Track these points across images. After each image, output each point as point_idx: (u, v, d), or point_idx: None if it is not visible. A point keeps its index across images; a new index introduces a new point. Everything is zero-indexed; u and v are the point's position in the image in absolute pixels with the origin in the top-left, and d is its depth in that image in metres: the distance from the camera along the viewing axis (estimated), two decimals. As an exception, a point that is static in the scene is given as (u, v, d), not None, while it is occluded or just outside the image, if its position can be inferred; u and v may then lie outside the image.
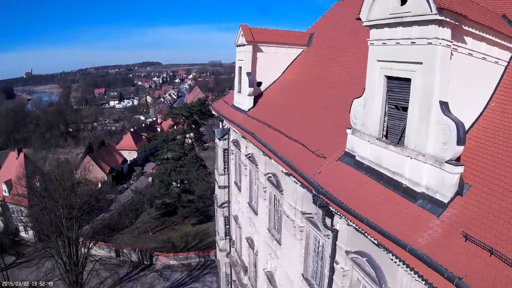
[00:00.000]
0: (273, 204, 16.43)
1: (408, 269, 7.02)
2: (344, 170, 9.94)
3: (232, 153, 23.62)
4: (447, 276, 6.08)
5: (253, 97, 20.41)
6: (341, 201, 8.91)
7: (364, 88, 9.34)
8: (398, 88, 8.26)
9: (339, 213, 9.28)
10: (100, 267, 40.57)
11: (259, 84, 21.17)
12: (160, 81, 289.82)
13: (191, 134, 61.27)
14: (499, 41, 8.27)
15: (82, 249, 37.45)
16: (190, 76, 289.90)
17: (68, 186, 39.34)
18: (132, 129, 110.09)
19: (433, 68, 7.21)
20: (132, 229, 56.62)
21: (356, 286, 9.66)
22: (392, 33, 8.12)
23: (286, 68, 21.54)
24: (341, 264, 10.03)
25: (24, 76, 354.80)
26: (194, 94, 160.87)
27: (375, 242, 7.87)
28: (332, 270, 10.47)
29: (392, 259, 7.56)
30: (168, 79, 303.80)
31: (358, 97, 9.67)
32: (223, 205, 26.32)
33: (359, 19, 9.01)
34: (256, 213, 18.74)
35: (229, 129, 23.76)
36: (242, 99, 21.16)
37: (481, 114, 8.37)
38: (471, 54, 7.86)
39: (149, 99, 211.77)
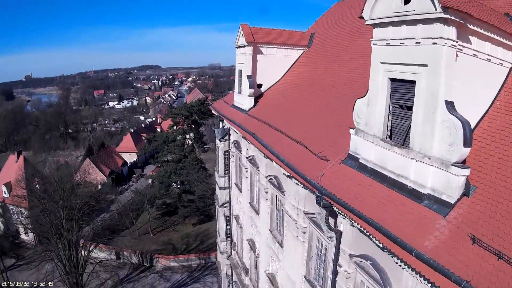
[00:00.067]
0: (275, 204, 16.29)
1: (414, 272, 6.90)
2: (347, 173, 9.81)
3: (233, 155, 23.48)
4: (455, 280, 5.97)
5: (253, 97, 20.31)
6: (345, 201, 8.79)
7: (368, 89, 9.22)
8: (402, 89, 8.15)
9: (343, 213, 9.16)
10: (100, 269, 40.43)
11: (260, 86, 21.07)
12: (160, 84, 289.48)
13: (191, 135, 61.07)
14: (504, 40, 8.18)
15: (82, 251, 37.29)
16: (190, 79, 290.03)
17: (68, 187, 39.18)
18: (131, 130, 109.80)
19: (438, 70, 7.09)
20: (133, 230, 56.45)
21: (360, 288, 9.53)
22: (395, 33, 8.00)
23: (287, 71, 21.42)
24: (345, 267, 9.89)
25: (24, 79, 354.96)
26: (194, 95, 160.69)
27: (380, 245, 7.75)
28: (335, 273, 10.34)
29: (397, 263, 7.44)
30: (168, 81, 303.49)
31: (361, 97, 9.54)
32: (224, 205, 26.17)
33: (361, 17, 8.88)
34: (257, 213, 18.60)
35: (229, 129, 23.63)
36: (243, 99, 21.06)
37: (485, 113, 8.26)
38: (476, 55, 7.76)
39: (148, 99, 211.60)
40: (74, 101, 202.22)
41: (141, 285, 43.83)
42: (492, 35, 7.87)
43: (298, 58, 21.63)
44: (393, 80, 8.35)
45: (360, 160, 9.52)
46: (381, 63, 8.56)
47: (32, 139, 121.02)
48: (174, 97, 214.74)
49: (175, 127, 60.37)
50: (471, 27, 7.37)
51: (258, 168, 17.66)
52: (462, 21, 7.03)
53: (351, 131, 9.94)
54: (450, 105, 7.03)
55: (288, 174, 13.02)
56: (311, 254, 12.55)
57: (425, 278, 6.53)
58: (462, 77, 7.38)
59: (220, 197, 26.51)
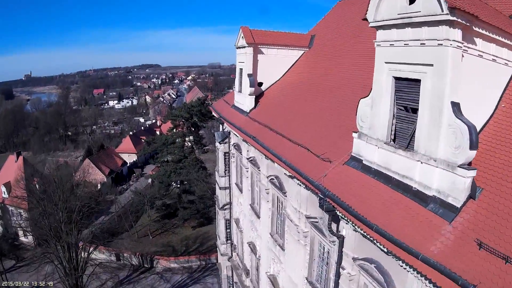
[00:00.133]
0: (276, 207, 16.16)
1: (419, 275, 6.82)
2: (350, 174, 9.71)
3: (233, 156, 23.37)
4: (462, 283, 5.92)
5: (254, 96, 20.24)
6: (349, 205, 8.68)
7: (371, 88, 9.12)
8: (407, 89, 8.05)
9: (346, 218, 9.05)
10: (100, 270, 40.33)
11: (260, 84, 21.02)
12: (159, 82, 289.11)
13: (191, 137, 60.89)
14: (509, 42, 8.10)
15: (82, 253, 37.19)
16: (189, 77, 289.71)
17: (67, 188, 39.06)
18: (131, 132, 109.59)
19: (444, 71, 7.00)
20: (132, 232, 56.24)
21: (364, 290, 9.43)
22: (400, 34, 7.92)
23: (288, 70, 21.34)
24: (348, 270, 9.79)
25: (23, 79, 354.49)
26: (193, 93, 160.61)
27: (385, 250, 7.66)
28: (338, 275, 10.25)
29: (402, 266, 7.37)
30: (167, 80, 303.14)
31: (364, 97, 9.43)
32: (225, 207, 26.03)
33: (365, 19, 8.79)
34: (258, 216, 18.49)
35: (229, 132, 23.52)
36: (243, 98, 20.98)
37: (491, 116, 8.19)
38: (481, 56, 7.69)
39: (148, 98, 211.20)
40: (74, 100, 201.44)
41: (141, 286, 43.73)
42: (497, 37, 7.80)
43: (299, 58, 21.54)
44: (397, 79, 8.25)
45: (364, 162, 9.42)
46: (385, 62, 8.46)
47: (32, 140, 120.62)
48: (173, 96, 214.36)
49: (174, 130, 60.18)
50: (477, 29, 7.29)
51: (259, 168, 17.56)
52: (468, 24, 6.95)
53: (354, 134, 9.84)
54: (456, 107, 6.94)
55: (289, 174, 12.93)
56: (313, 257, 12.46)
57: (431, 281, 6.45)
58: (467, 77, 7.31)
59: (220, 198, 26.37)
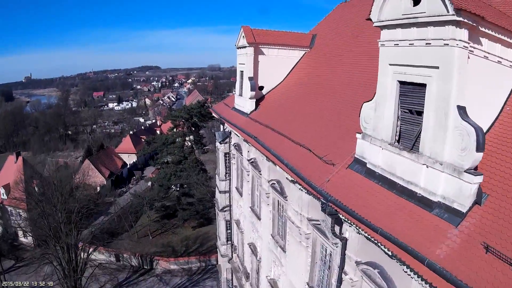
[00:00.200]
0: (277, 210, 16.00)
1: (423, 282, 6.68)
2: (354, 179, 9.54)
3: (234, 158, 23.21)
4: (468, 292, 5.74)
5: (254, 100, 20.09)
6: (353, 209, 8.52)
7: (375, 92, 8.99)
8: (412, 93, 7.91)
9: (349, 221, 8.90)
10: (99, 272, 40.14)
11: (261, 88, 20.85)
12: (159, 85, 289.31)
13: (191, 137, 60.83)
14: (514, 43, 7.95)
15: (82, 254, 37.02)
16: (189, 81, 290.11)
17: (67, 191, 38.93)
18: (131, 132, 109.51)
19: (450, 72, 6.87)
20: (132, 233, 56.13)
21: (366, 297, 9.27)
22: (405, 34, 7.79)
23: (289, 72, 21.19)
24: (350, 275, 9.63)
25: (23, 80, 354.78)
26: (193, 96, 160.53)
27: (389, 253, 7.51)
28: (340, 281, 10.08)
29: (406, 272, 7.22)
30: (167, 83, 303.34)
31: (368, 101, 9.29)
32: (224, 209, 25.89)
33: (369, 19, 8.66)
34: (259, 218, 18.34)
35: (230, 132, 23.38)
36: (244, 102, 20.83)
37: (496, 119, 8.05)
38: (487, 57, 7.55)
39: (147, 101, 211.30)
40: (74, 103, 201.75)
41: (140, 288, 43.61)
42: (503, 37, 7.66)
43: (300, 59, 21.40)
44: (402, 83, 8.11)
45: (368, 165, 9.25)
46: (390, 64, 8.32)
47: (31, 140, 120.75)
48: (173, 99, 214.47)
49: (174, 129, 60.11)
50: (483, 29, 7.16)
51: (260, 171, 17.38)
52: (474, 24, 6.83)
53: (358, 135, 9.67)
54: (462, 110, 6.81)
55: (291, 179, 12.74)
56: (315, 260, 12.26)
57: (436, 289, 6.30)
58: (473, 79, 7.17)
59: (220, 201, 26.23)
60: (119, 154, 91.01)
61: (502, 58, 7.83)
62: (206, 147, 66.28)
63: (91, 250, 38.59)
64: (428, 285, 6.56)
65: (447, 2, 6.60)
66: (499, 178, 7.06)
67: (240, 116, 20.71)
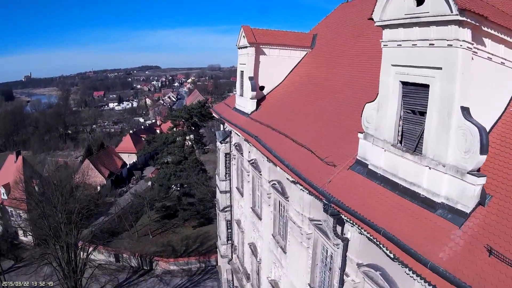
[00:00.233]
0: (278, 210, 15.93)
1: (426, 284, 6.62)
2: (356, 180, 9.48)
3: (234, 158, 23.16)
4: (472, 295, 5.70)
5: (255, 100, 20.02)
6: (355, 210, 8.45)
7: (377, 93, 8.92)
8: (414, 93, 7.85)
9: (351, 222, 8.83)
10: (99, 272, 40.06)
11: (262, 88, 20.78)
12: (159, 85, 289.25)
13: (191, 136, 60.77)
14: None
15: (81, 253, 36.94)
16: (189, 80, 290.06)
17: (67, 191, 38.87)
18: (131, 131, 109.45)
19: (454, 74, 6.80)
20: (132, 232, 56.07)
21: (368, 299, 9.20)
22: (407, 34, 7.72)
23: (290, 72, 21.13)
24: (352, 276, 9.57)
25: (23, 80, 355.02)
26: (194, 96, 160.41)
27: (391, 255, 7.45)
28: (341, 282, 10.02)
29: (408, 274, 7.16)
30: (167, 83, 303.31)
31: (370, 102, 9.23)
32: (225, 209, 25.84)
33: (371, 19, 8.59)
34: (259, 218, 18.27)
35: (230, 131, 23.32)
36: (245, 102, 20.76)
37: (498, 119, 7.98)
38: (491, 58, 7.48)
39: (148, 101, 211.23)
40: (74, 102, 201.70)
41: (140, 289, 43.55)
42: (506, 38, 7.59)
43: (301, 60, 21.34)
44: (405, 83, 8.05)
45: (369, 167, 9.18)
46: (392, 65, 8.26)
47: (32, 140, 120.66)
48: (173, 99, 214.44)
49: (175, 129, 60.05)
50: (486, 29, 7.10)
51: (260, 172, 17.33)
52: (477, 24, 6.77)
53: (360, 135, 9.60)
54: (465, 111, 6.76)
55: (292, 179, 12.68)
56: (316, 261, 12.20)
57: (440, 291, 6.24)
58: (476, 80, 7.11)
59: (221, 201, 26.18)
60: (119, 153, 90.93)
61: (505, 59, 7.77)
62: (207, 147, 66.18)
63: (90, 249, 38.51)
64: (431, 287, 6.49)
65: (451, 2, 6.55)
66: (502, 179, 7.02)
67: (241, 116, 20.65)
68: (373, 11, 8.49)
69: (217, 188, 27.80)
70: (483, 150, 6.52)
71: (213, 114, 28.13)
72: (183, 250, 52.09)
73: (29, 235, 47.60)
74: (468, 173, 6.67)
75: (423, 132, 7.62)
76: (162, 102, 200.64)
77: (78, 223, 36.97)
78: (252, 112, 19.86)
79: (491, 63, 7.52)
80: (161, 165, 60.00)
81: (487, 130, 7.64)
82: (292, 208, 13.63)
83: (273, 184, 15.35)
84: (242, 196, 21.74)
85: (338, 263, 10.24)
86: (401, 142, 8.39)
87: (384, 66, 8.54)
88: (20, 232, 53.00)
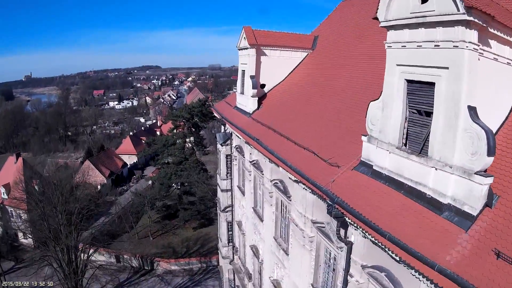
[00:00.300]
0: (280, 210, 15.81)
1: (433, 285, 6.54)
2: (360, 179, 9.36)
3: (235, 159, 23.04)
4: (481, 298, 5.62)
5: (257, 98, 19.95)
6: (359, 212, 8.34)
7: (381, 91, 8.82)
8: (420, 92, 7.74)
9: (355, 224, 8.73)
10: (100, 272, 40.01)
11: (263, 86, 20.72)
12: (160, 84, 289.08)
13: (192, 138, 60.65)
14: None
15: (82, 255, 36.88)
16: (190, 79, 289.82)
17: (67, 190, 38.78)
18: (131, 133, 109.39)
19: (460, 74, 6.71)
20: (132, 234, 55.99)
21: (373, 299, 9.11)
22: (412, 35, 7.61)
23: (291, 72, 21.05)
24: (356, 277, 9.47)
25: (24, 79, 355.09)
26: (194, 95, 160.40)
27: (397, 258, 7.36)
28: (345, 283, 9.93)
29: (414, 275, 7.08)
30: (167, 81, 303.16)
31: (374, 100, 9.12)
32: (226, 210, 25.71)
33: (376, 18, 8.47)
34: (261, 220, 18.14)
35: (231, 133, 23.19)
36: (246, 100, 20.68)
37: (505, 120, 7.91)
38: (496, 59, 7.39)
39: (148, 99, 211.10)
40: (74, 101, 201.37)
41: (141, 288, 43.49)
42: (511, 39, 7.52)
43: (302, 60, 21.25)
44: (410, 82, 7.94)
45: (374, 167, 9.08)
46: (397, 65, 8.14)
47: (31, 141, 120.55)
48: (174, 97, 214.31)
49: (175, 130, 59.92)
50: (492, 30, 7.01)
51: (262, 172, 17.22)
52: (484, 25, 6.66)
53: (363, 138, 9.47)
54: (472, 111, 6.66)
55: (295, 179, 12.57)
56: (319, 263, 12.11)
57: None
58: (482, 81, 7.02)
59: (222, 201, 26.06)
60: (119, 155, 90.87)
61: (511, 60, 7.69)
62: (207, 149, 66.09)
63: (91, 251, 38.45)
64: (437, 288, 6.42)
65: (457, 0, 6.44)
66: (509, 179, 6.95)
67: (242, 116, 20.55)
68: (377, 9, 8.37)
69: (218, 187, 27.71)
70: (491, 152, 6.44)
71: (214, 114, 27.99)
72: (183, 251, 52.05)
73: (29, 237, 47.39)
74: (475, 173, 6.59)
75: (428, 134, 7.52)
76: (162, 100, 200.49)
77: (78, 224, 36.89)
78: (253, 112, 19.76)
79: (497, 64, 7.45)
80: (161, 165, 59.94)
81: (494, 130, 7.59)
82: (295, 209, 13.51)
83: (275, 183, 15.23)
84: (244, 195, 21.62)
85: (342, 265, 10.16)
86: (405, 145, 8.29)
87: (389, 66, 8.42)
88: (20, 234, 52.87)
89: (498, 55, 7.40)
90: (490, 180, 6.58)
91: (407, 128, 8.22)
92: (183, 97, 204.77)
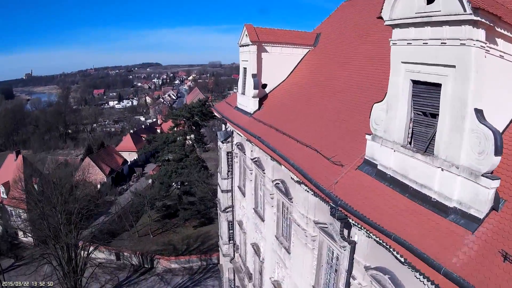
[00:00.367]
0: (281, 211, 15.72)
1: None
2: (364, 181, 9.24)
3: (236, 156, 22.95)
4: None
5: (258, 99, 19.84)
6: (364, 214, 8.22)
7: (385, 93, 8.72)
8: (425, 93, 7.63)
9: (359, 226, 8.63)
10: (99, 271, 39.92)
11: (264, 86, 20.61)
12: (160, 83, 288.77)
13: (192, 136, 60.58)
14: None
15: (82, 253, 36.78)
16: (190, 78, 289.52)
17: (66, 190, 38.68)
18: (131, 131, 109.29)
19: (467, 73, 6.60)
20: (133, 232, 55.91)
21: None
22: (418, 33, 7.51)
23: (293, 70, 20.94)
24: (359, 279, 9.38)
25: (24, 78, 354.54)
26: (194, 94, 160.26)
27: (402, 260, 7.28)
28: (348, 285, 9.84)
29: (418, 278, 7.00)
30: (168, 80, 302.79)
31: (378, 102, 9.01)
32: (227, 210, 25.64)
33: (380, 17, 8.37)
34: (262, 220, 18.06)
35: (232, 131, 23.10)
36: (246, 101, 20.57)
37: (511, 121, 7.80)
38: (502, 56, 7.30)
39: (148, 99, 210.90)
40: (74, 101, 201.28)
41: (141, 288, 43.38)
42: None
43: (303, 57, 21.13)
44: (415, 82, 7.83)
45: (378, 167, 8.95)
46: (402, 62, 8.03)
47: (31, 139, 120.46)
48: (174, 97, 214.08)
49: (175, 128, 59.85)
50: (499, 29, 6.90)
51: (263, 171, 17.09)
52: (491, 24, 6.56)
53: (367, 137, 9.36)
54: (479, 113, 6.56)
55: (297, 179, 12.46)
56: (321, 262, 12.01)
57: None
58: (489, 78, 6.90)
59: (222, 201, 25.97)
60: (119, 152, 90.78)
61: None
62: (207, 145, 66.01)
63: (91, 249, 38.36)
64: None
65: (464, 1, 6.36)
66: (515, 182, 6.84)
67: (243, 116, 20.45)
68: (381, 9, 8.27)
69: (218, 187, 27.62)
70: (498, 152, 6.35)
71: (215, 114, 27.88)
72: (184, 249, 51.98)
73: (29, 236, 47.31)
74: (482, 175, 6.50)
75: (434, 134, 7.42)
76: (162, 100, 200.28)
77: (77, 223, 36.80)
78: (254, 112, 19.67)
79: (503, 62, 7.33)
80: (162, 162, 59.89)
81: (501, 130, 7.48)
82: (296, 210, 13.40)
83: (276, 184, 15.13)
84: (244, 196, 21.54)
85: (344, 265, 10.06)
86: (410, 143, 8.19)
87: (394, 64, 8.30)
88: (20, 233, 52.79)
89: (504, 53, 7.30)
90: (496, 183, 6.47)
91: (412, 128, 8.12)
92: (183, 97, 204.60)
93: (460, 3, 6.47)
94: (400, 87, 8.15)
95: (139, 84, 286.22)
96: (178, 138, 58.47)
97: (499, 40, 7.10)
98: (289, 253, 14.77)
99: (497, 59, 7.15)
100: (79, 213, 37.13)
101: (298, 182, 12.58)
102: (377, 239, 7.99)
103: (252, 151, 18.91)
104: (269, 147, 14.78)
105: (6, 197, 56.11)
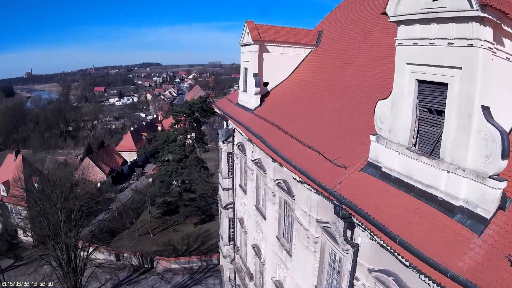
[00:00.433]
0: (283, 209, 15.51)
1: (442, 290, 6.32)
2: (368, 181, 9.09)
3: (237, 157, 22.78)
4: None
5: (259, 96, 19.67)
6: (368, 213, 8.07)
7: (391, 91, 8.55)
8: (431, 92, 7.48)
9: (363, 226, 8.47)
10: (99, 271, 39.82)
11: (266, 84, 20.45)
12: (160, 81, 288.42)
13: (192, 135, 60.39)
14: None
15: (82, 253, 36.66)
16: (190, 76, 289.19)
17: (66, 188, 38.56)
18: (132, 128, 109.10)
19: (474, 75, 6.46)
20: (133, 230, 55.78)
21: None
22: (424, 31, 7.34)
23: (295, 69, 20.77)
24: (362, 281, 9.24)
25: (24, 76, 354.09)
26: (194, 92, 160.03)
27: (407, 264, 7.13)
28: (351, 286, 9.68)
29: (424, 280, 6.86)
30: (168, 79, 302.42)
31: (383, 99, 8.84)
32: (228, 206, 25.44)
33: (385, 13, 8.20)
34: (264, 217, 17.85)
35: (233, 130, 22.91)
36: (248, 98, 20.42)
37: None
38: (509, 58, 7.12)
39: (149, 96, 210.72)
40: (74, 98, 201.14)
41: (141, 287, 43.31)
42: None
43: (305, 57, 20.95)
44: (421, 82, 7.67)
45: (382, 169, 8.79)
46: (407, 63, 7.87)
47: (32, 137, 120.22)
48: (174, 94, 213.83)
49: (176, 126, 59.64)
50: (506, 28, 6.74)
51: (265, 171, 16.93)
52: (498, 21, 6.40)
53: (372, 138, 9.19)
54: (486, 111, 6.42)
55: (299, 179, 12.29)
56: (323, 265, 11.84)
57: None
58: (495, 81, 6.75)
59: (223, 198, 25.78)
60: (119, 152, 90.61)
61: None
62: (208, 146, 65.82)
63: (91, 250, 38.24)
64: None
65: (471, -3, 6.19)
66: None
67: (245, 112, 20.29)
68: (386, 4, 8.09)
69: (219, 185, 27.44)
70: (505, 155, 6.21)
71: (215, 110, 27.69)
72: (184, 249, 51.83)
73: (28, 235, 47.18)
74: (489, 177, 6.36)
75: (440, 135, 7.28)
76: (162, 97, 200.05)
77: (77, 221, 36.66)
78: (255, 108, 19.51)
79: (510, 63, 7.17)
80: (162, 162, 59.73)
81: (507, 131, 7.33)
82: (299, 208, 13.23)
83: (278, 183, 14.95)
84: (245, 194, 21.36)
85: (347, 267, 9.93)
86: (415, 145, 8.04)
87: (398, 64, 8.15)
88: (20, 232, 52.66)
89: (510, 55, 7.14)
90: (504, 184, 6.36)
91: (418, 128, 7.96)
92: (183, 94, 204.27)
93: (467, -1, 6.29)
94: (406, 87, 7.99)
95: (140, 82, 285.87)
96: (178, 137, 58.27)
97: (506, 41, 6.95)
98: (290, 255, 14.59)
99: (504, 61, 7.00)
100: (79, 210, 36.99)
101: (301, 182, 12.41)
102: (381, 242, 7.83)
103: (253, 152, 18.71)
104: (271, 148, 14.58)
105: (6, 195, 56.00)
